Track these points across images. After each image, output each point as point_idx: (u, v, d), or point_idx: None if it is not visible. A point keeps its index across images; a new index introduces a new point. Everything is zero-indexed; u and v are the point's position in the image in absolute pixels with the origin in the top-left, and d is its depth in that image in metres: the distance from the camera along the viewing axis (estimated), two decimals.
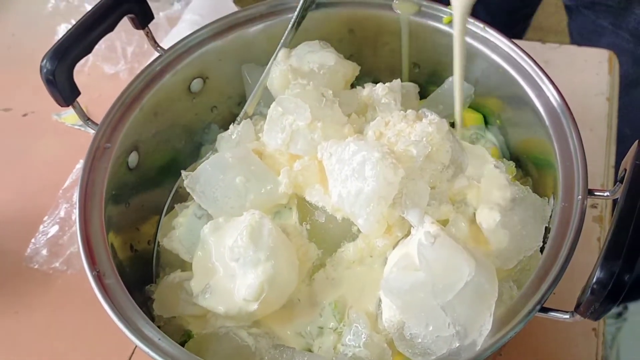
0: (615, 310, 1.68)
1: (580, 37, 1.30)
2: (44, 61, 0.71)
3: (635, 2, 1.14)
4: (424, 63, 0.89)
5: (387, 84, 0.80)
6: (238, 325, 0.68)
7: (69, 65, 0.72)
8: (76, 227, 0.67)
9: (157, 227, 0.83)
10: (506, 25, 0.81)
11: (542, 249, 0.68)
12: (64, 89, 0.72)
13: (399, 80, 0.83)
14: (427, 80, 0.89)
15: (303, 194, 0.74)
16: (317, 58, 0.82)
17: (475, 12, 0.81)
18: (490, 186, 0.71)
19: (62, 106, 0.74)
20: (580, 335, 0.81)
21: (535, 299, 0.58)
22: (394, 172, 0.64)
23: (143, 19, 0.80)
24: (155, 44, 0.83)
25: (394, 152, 0.67)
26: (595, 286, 0.52)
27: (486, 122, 0.86)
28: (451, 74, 0.84)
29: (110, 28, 0.76)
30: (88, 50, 0.74)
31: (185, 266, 0.77)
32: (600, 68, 1.05)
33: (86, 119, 0.76)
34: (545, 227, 0.69)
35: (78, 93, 0.74)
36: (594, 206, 0.90)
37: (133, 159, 0.78)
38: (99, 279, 0.65)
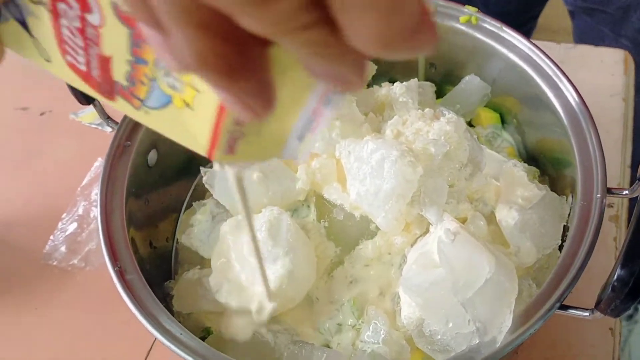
0: (627, 312, 1.68)
1: (582, 42, 1.30)
2: None
3: (632, 10, 1.15)
4: (440, 63, 0.89)
5: (404, 82, 0.81)
6: None
7: None
8: (98, 223, 0.68)
9: (175, 224, 0.84)
10: (510, 26, 0.81)
11: (560, 248, 0.68)
12: None
13: (415, 79, 0.84)
14: (443, 80, 0.89)
15: (321, 192, 0.75)
16: None
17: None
18: (509, 185, 0.71)
19: (83, 104, 0.75)
20: (597, 335, 0.81)
21: (555, 296, 0.58)
22: (412, 170, 0.65)
23: None
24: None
25: (412, 150, 0.67)
26: (616, 283, 0.52)
27: (503, 122, 0.86)
28: (467, 73, 0.85)
29: None
30: None
31: (203, 263, 0.78)
32: (615, 68, 1.05)
33: (106, 117, 0.77)
34: (564, 226, 0.69)
35: None
36: (610, 205, 0.90)
37: (152, 157, 0.79)
38: (121, 274, 0.65)
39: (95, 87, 0.42)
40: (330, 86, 0.37)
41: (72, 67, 0.42)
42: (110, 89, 0.41)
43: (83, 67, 0.42)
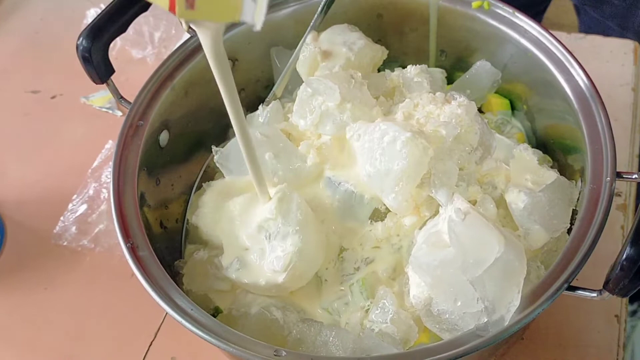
0: (630, 307, 1.68)
1: None
2: (80, 39, 0.72)
3: (637, 6, 1.15)
4: (450, 49, 0.89)
5: (417, 65, 0.81)
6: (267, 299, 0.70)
7: (105, 43, 0.73)
8: (110, 200, 0.69)
9: (185, 205, 0.85)
10: None
11: (569, 232, 0.68)
12: (99, 67, 0.73)
13: (425, 65, 0.84)
14: (453, 66, 0.90)
15: (330, 173, 0.75)
16: (346, 41, 0.83)
17: None
18: (519, 169, 0.71)
19: (97, 84, 0.75)
20: (602, 322, 0.82)
21: (563, 277, 0.58)
22: (423, 152, 0.65)
23: None
24: (186, 26, 0.84)
25: (423, 132, 0.68)
26: (624, 262, 0.52)
27: (513, 108, 0.87)
28: (478, 59, 0.85)
29: (145, 8, 0.77)
30: (123, 29, 0.76)
31: (213, 243, 0.78)
32: (625, 59, 1.05)
33: (119, 96, 0.78)
34: (572, 210, 0.69)
35: (112, 71, 0.75)
36: (618, 194, 0.90)
37: (164, 137, 0.80)
38: (133, 251, 0.66)
39: None
40: None
41: None
42: None
43: None
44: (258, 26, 0.55)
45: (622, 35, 1.20)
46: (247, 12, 0.55)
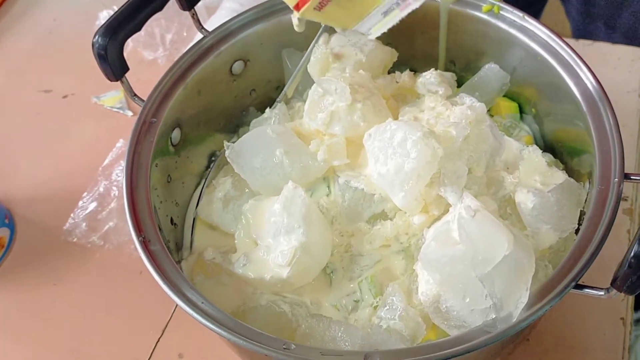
0: (636, 315, 1.68)
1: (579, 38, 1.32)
2: (96, 37, 0.73)
3: (623, 6, 1.17)
4: (459, 53, 0.90)
5: (437, 70, 0.82)
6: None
7: (120, 41, 0.74)
8: (123, 194, 0.70)
9: (196, 202, 0.85)
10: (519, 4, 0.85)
11: (576, 232, 0.69)
12: (114, 64, 0.74)
13: (436, 70, 0.85)
14: (462, 69, 0.90)
15: (339, 171, 0.76)
16: (357, 43, 0.83)
17: None
18: (528, 170, 0.72)
19: (111, 81, 0.76)
20: (608, 324, 0.82)
21: (571, 275, 0.59)
22: (433, 152, 0.66)
23: (190, 0, 0.82)
24: (200, 26, 0.85)
25: (433, 132, 0.68)
26: (632, 260, 0.53)
27: (521, 112, 0.87)
28: (488, 62, 0.86)
29: (160, 7, 0.78)
30: (138, 28, 0.77)
31: (222, 238, 0.79)
32: (632, 66, 1.06)
33: (133, 94, 0.79)
34: (580, 211, 0.70)
35: (127, 68, 0.76)
36: (624, 199, 0.91)
37: (176, 135, 0.80)
38: (145, 244, 0.67)
39: None
40: None
41: None
42: None
43: None
44: (372, 36, 0.63)
45: (609, 36, 1.21)
46: (366, 25, 0.63)
